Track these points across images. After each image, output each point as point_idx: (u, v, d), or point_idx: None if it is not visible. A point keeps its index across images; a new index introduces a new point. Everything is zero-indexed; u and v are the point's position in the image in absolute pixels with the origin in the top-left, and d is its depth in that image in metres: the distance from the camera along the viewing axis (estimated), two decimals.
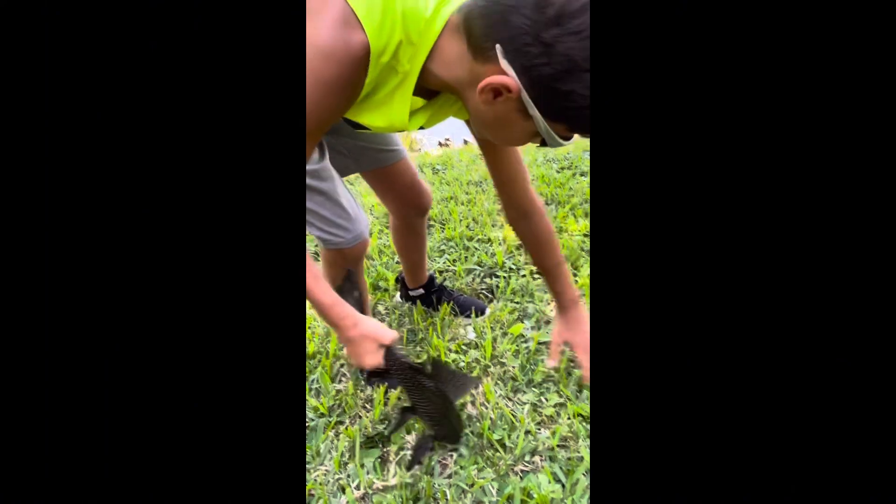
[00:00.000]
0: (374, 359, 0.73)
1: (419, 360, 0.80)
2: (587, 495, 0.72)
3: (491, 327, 1.13)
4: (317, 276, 0.69)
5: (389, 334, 0.74)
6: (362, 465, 0.80)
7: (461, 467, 0.79)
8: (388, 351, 0.74)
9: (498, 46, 0.52)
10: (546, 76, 0.51)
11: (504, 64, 0.53)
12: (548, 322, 1.17)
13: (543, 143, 0.60)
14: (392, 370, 0.75)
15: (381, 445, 0.85)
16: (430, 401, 0.75)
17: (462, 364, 1.03)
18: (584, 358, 0.89)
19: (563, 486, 0.74)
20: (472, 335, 1.13)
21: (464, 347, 1.09)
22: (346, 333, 0.72)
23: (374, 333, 0.73)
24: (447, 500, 0.73)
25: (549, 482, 0.74)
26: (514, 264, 1.43)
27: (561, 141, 0.58)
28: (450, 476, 0.78)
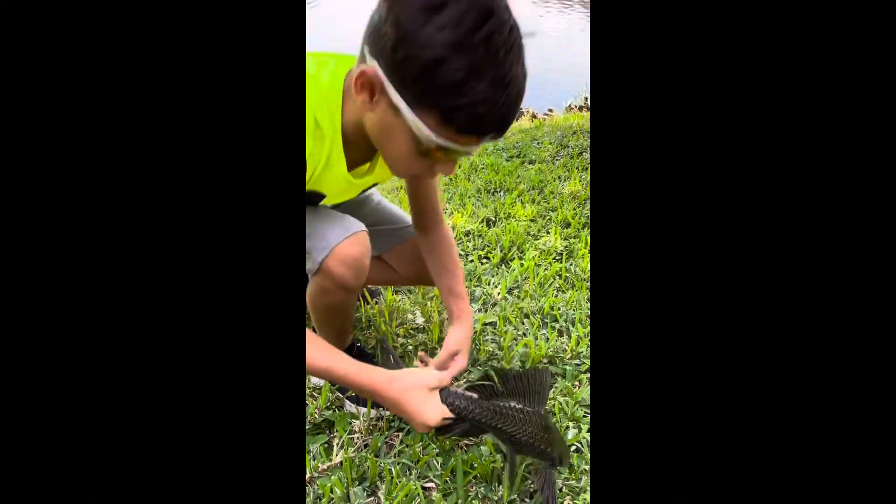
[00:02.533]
0: (435, 409, 0.64)
1: (481, 384, 0.70)
2: (521, 460, 0.75)
3: (438, 311, 1.15)
4: (330, 350, 0.65)
5: (433, 374, 0.67)
6: (308, 451, 0.80)
7: (407, 445, 0.81)
8: (442, 392, 0.65)
9: (365, 46, 0.56)
10: (389, 49, 0.53)
11: (368, 58, 0.56)
12: (494, 304, 1.20)
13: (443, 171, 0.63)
14: (461, 412, 0.64)
15: (327, 431, 0.85)
16: (522, 423, 0.65)
17: (410, 347, 1.05)
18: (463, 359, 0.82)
19: (504, 455, 0.77)
20: (419, 319, 1.14)
21: (411, 332, 1.10)
22: (386, 394, 0.64)
23: (417, 380, 0.65)
24: (392, 477, 0.75)
25: (490, 453, 0.76)
26: (462, 251, 1.45)
27: (437, 139, 0.56)
28: (396, 455, 0.80)
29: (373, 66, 0.55)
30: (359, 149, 0.71)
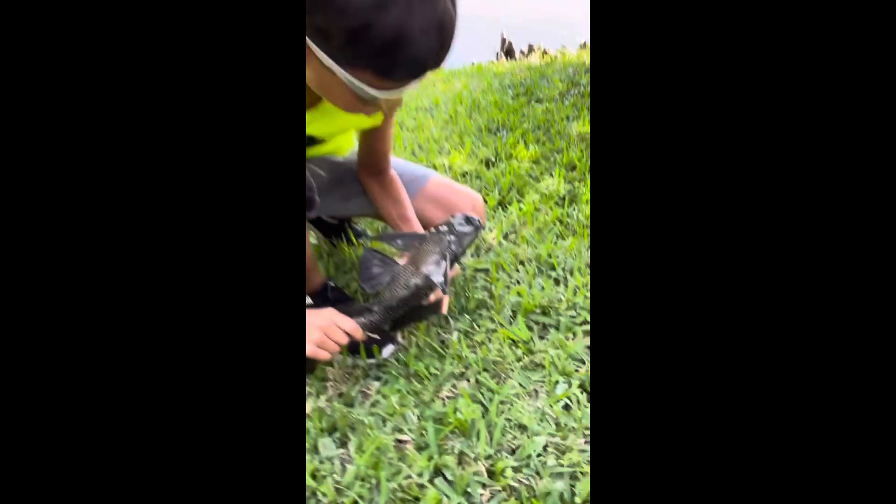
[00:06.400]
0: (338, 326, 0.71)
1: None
2: (504, 414, 0.70)
3: None
4: None
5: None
6: None
7: (383, 396, 0.76)
8: (344, 311, 0.74)
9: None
10: (313, 18, 0.50)
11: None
12: (489, 250, 1.12)
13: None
14: (372, 318, 0.75)
15: None
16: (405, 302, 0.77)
17: None
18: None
19: (486, 408, 0.72)
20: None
21: None
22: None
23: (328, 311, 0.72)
24: (367, 427, 0.69)
25: (468, 405, 0.71)
26: None
27: (373, 92, 0.56)
28: (372, 405, 0.74)
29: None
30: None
